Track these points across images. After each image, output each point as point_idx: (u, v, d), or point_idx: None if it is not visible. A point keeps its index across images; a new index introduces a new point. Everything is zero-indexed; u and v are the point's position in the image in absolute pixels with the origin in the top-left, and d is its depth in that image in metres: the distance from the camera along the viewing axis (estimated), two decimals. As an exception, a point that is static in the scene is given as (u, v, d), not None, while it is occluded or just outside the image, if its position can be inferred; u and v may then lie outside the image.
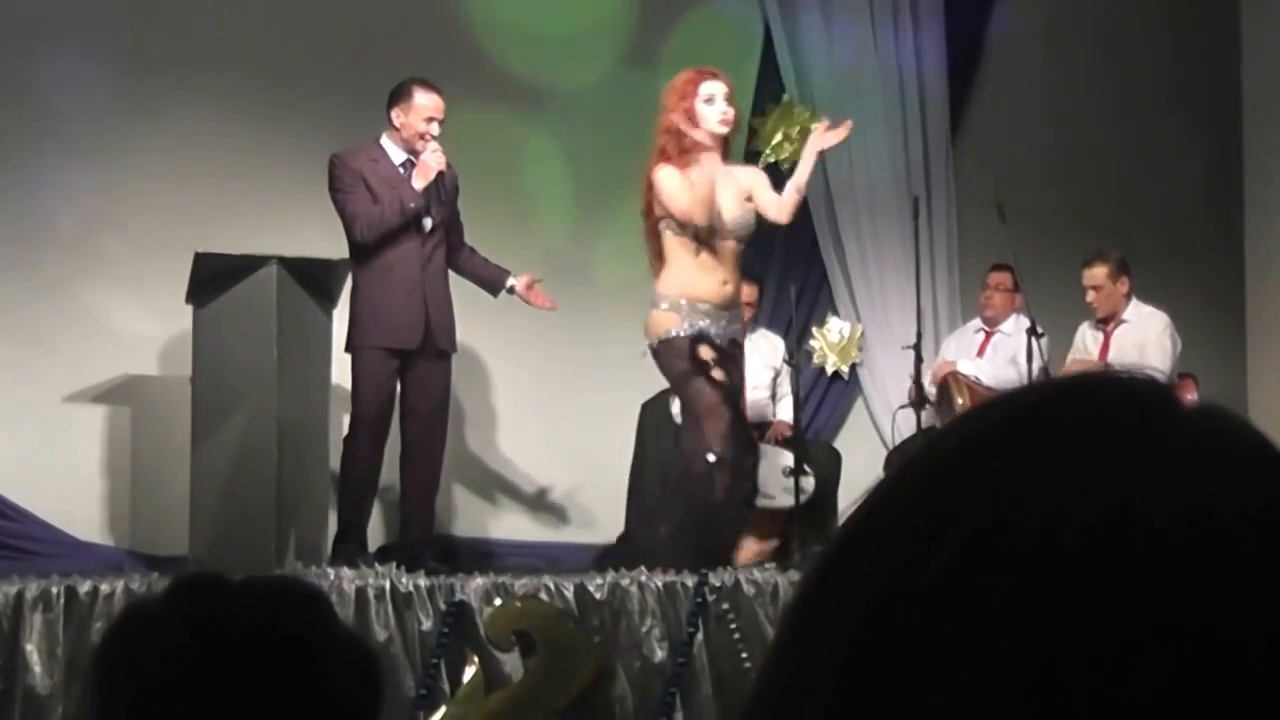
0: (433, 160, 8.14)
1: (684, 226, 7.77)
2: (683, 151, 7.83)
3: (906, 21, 10.57)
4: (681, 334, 7.74)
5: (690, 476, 7.68)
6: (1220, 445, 0.84)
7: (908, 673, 0.80)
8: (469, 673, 6.82)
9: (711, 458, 7.61)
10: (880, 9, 10.56)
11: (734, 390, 7.83)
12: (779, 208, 7.98)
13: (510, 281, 8.49)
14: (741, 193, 7.93)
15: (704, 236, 7.81)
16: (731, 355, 7.87)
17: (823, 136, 8.03)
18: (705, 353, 7.76)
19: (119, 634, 2.02)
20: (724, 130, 7.94)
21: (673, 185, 7.75)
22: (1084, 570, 0.80)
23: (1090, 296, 9.37)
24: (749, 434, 8.01)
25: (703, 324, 7.76)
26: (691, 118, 7.86)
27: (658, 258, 7.90)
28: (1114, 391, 0.87)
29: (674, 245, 7.83)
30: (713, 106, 7.89)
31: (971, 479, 0.84)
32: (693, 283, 7.80)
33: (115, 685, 1.95)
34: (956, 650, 0.80)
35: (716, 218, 7.81)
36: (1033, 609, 0.79)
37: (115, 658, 1.97)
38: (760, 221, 7.98)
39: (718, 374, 7.72)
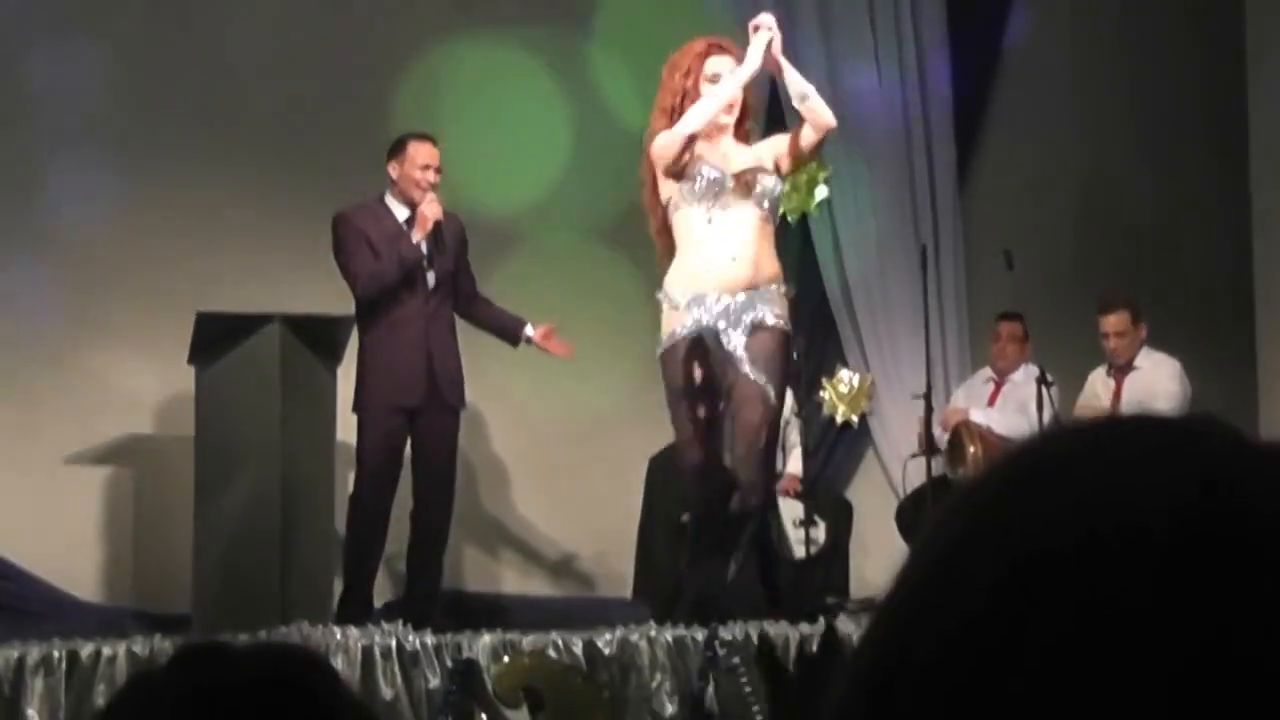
0: (429, 210, 8.11)
1: (681, 184, 7.15)
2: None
3: (912, 70, 10.60)
4: (680, 334, 7.19)
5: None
6: None
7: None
8: None
9: (684, 517, 7.33)
10: (885, 56, 10.59)
11: (746, 397, 7.18)
12: (810, 123, 7.28)
13: (527, 331, 8.44)
14: (756, 160, 7.28)
15: (703, 192, 7.13)
16: (757, 347, 7.20)
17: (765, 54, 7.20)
18: (698, 371, 7.18)
19: (122, 705, 1.94)
20: (729, 119, 7.29)
21: (657, 141, 7.16)
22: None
23: (1111, 343, 9.33)
24: (757, 464, 7.26)
25: (706, 320, 7.19)
26: (690, 98, 7.22)
27: (668, 254, 7.32)
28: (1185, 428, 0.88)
29: (682, 225, 7.21)
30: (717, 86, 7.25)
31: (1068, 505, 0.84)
32: (697, 268, 7.18)
33: (120, 758, 1.92)
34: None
35: (720, 174, 7.14)
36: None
37: None
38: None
39: (702, 409, 7.20)
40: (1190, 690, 0.79)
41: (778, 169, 7.34)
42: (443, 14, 9.96)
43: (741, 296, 7.20)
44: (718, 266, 7.19)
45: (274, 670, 1.89)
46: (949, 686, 0.82)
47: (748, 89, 7.34)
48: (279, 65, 9.69)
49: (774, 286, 7.30)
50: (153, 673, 1.96)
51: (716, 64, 7.25)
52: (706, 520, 7.31)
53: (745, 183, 7.20)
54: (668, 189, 7.22)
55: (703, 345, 7.17)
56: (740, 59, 7.25)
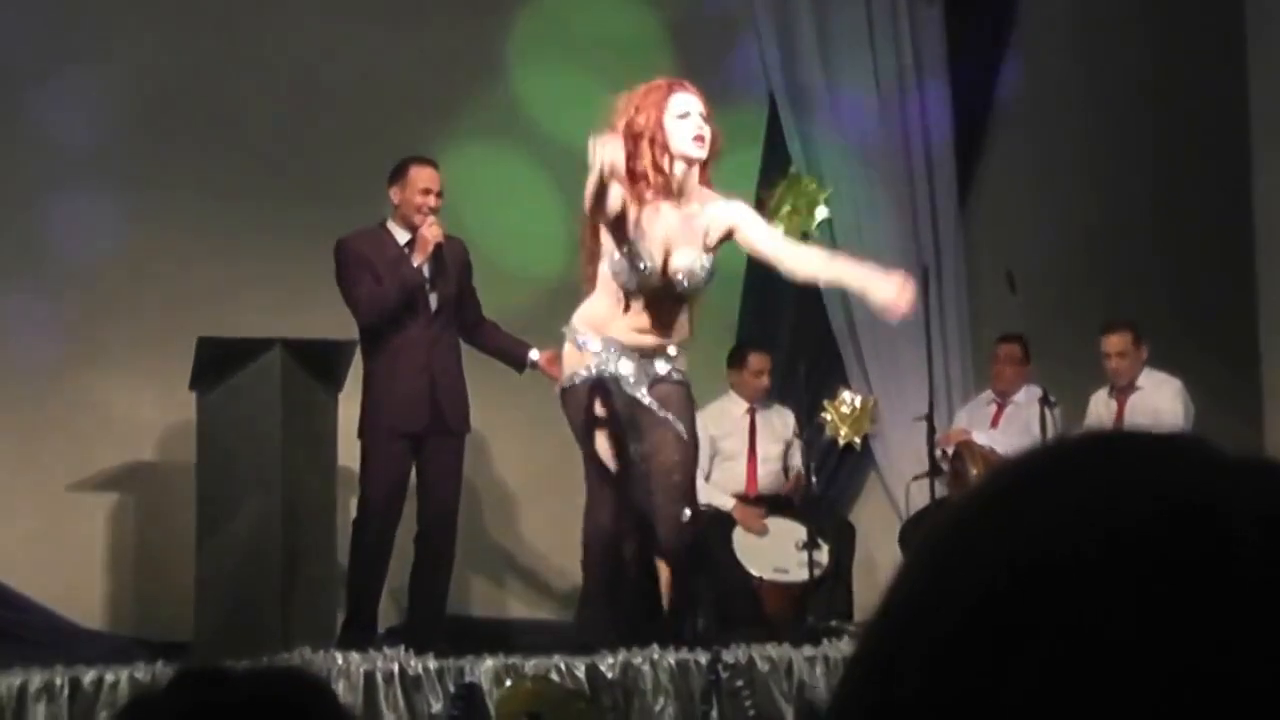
0: (429, 234, 8.11)
1: (616, 251, 6.80)
2: (635, 180, 6.76)
3: (912, 93, 10.64)
4: (583, 376, 6.95)
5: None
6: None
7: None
8: None
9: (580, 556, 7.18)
10: (885, 80, 10.62)
11: (644, 457, 6.98)
12: (793, 260, 6.97)
13: (532, 355, 8.41)
14: (707, 235, 6.94)
15: (634, 287, 6.87)
16: (662, 394, 7.00)
17: (890, 305, 6.75)
18: (601, 410, 6.92)
19: None
20: (699, 154, 6.85)
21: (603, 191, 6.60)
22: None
23: (1113, 364, 9.38)
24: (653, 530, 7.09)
25: (610, 368, 6.96)
26: (654, 140, 6.79)
27: (590, 262, 7.00)
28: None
29: (607, 275, 6.91)
30: (686, 123, 6.82)
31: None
32: (610, 317, 6.94)
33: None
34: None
35: (651, 267, 6.83)
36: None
37: None
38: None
39: (609, 446, 6.96)
40: (1176, 707, 0.79)
41: (722, 239, 7.02)
42: (443, 44, 9.95)
43: (650, 356, 7.01)
44: (632, 326, 7.00)
45: (272, 692, 1.91)
46: (936, 704, 0.82)
47: (716, 133, 6.96)
48: (281, 92, 9.70)
49: (678, 347, 7.09)
50: (152, 695, 1.99)
51: (682, 102, 6.85)
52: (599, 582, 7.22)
53: (674, 278, 6.92)
54: (607, 241, 6.91)
55: (604, 388, 6.94)
56: (705, 103, 6.91)
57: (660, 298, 6.93)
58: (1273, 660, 0.79)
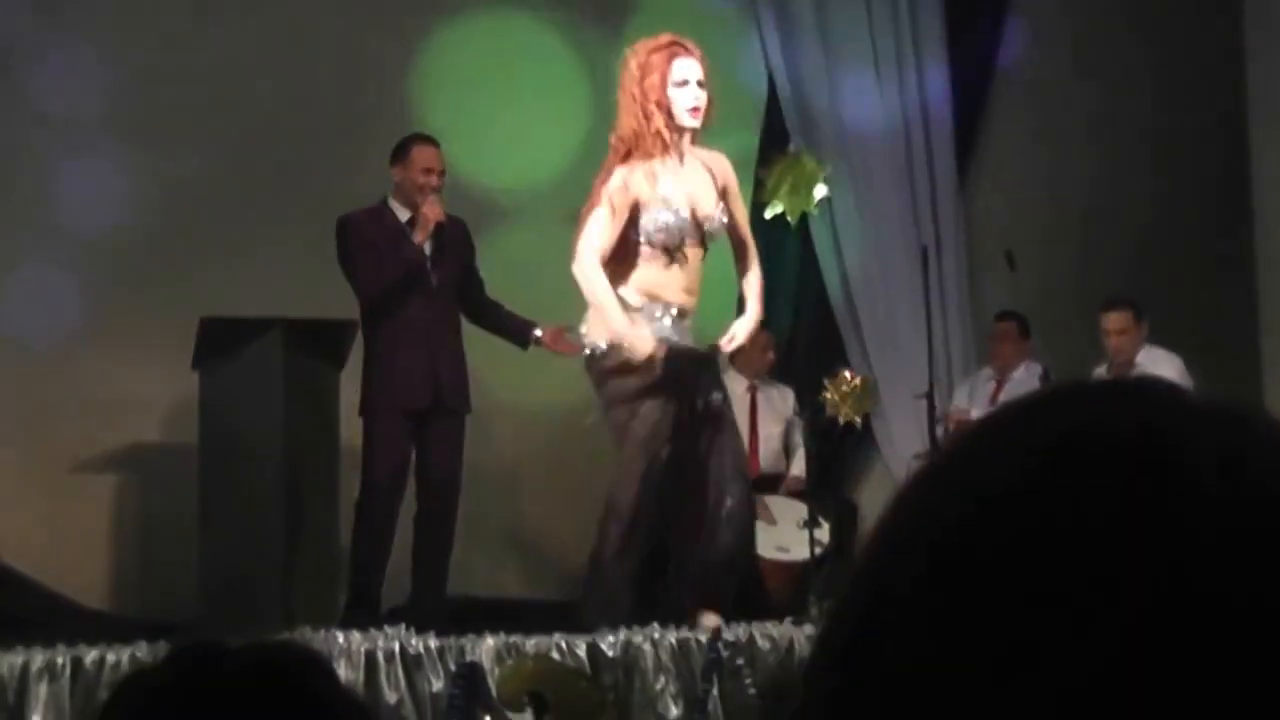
0: (431, 212, 8.13)
1: (647, 237, 7.05)
2: (642, 146, 7.06)
3: (911, 72, 10.64)
4: (647, 342, 7.03)
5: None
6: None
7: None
8: None
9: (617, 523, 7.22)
10: (884, 60, 10.62)
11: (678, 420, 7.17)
12: (748, 257, 7.39)
13: (536, 332, 8.43)
14: (716, 188, 7.24)
15: (677, 240, 7.09)
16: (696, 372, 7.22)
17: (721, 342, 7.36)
18: (658, 370, 7.04)
19: (117, 704, 1.98)
20: (694, 123, 7.13)
21: (595, 226, 7.03)
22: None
23: (1113, 341, 9.38)
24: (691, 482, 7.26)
25: (662, 333, 7.12)
26: (660, 104, 7.06)
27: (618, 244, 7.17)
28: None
29: (632, 247, 7.10)
30: (684, 91, 7.08)
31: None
32: (656, 281, 7.13)
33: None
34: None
35: (690, 221, 7.10)
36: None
37: None
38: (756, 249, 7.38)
39: (659, 402, 7.13)
40: (1127, 652, 0.80)
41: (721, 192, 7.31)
42: (447, 8, 9.97)
43: (685, 318, 7.21)
44: (681, 286, 7.19)
45: (268, 667, 1.90)
46: (910, 648, 0.83)
47: (711, 98, 7.19)
48: (285, 64, 9.69)
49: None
50: (147, 671, 1.98)
51: (683, 68, 7.09)
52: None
53: (705, 226, 7.20)
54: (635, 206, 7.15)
55: (671, 352, 7.08)
56: (704, 62, 7.16)
57: (695, 254, 7.15)
58: (1218, 600, 0.80)
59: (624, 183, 7.07)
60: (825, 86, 10.50)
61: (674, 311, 7.15)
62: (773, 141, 10.12)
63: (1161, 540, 0.81)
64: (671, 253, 7.10)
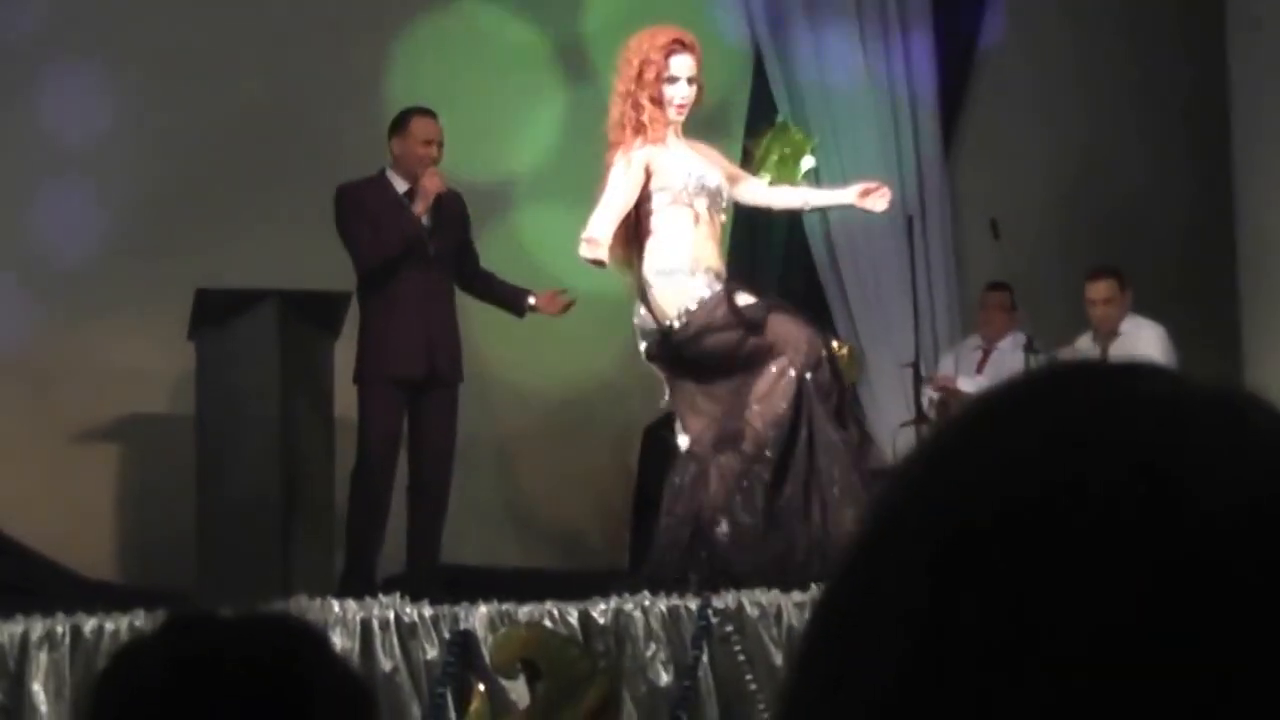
0: (430, 184, 8.19)
1: (676, 196, 7.23)
2: (639, 130, 7.27)
3: (896, 41, 10.68)
4: (711, 295, 7.21)
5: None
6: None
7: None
8: (475, 701, 6.83)
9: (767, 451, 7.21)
10: (870, 29, 10.66)
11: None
12: (767, 194, 7.68)
13: (530, 300, 8.50)
14: (720, 164, 7.54)
15: (706, 202, 7.28)
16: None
17: (862, 199, 7.65)
18: (749, 312, 7.25)
19: (111, 673, 2.01)
20: (678, 119, 7.34)
21: (615, 183, 7.23)
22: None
23: (1098, 310, 9.43)
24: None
25: (704, 293, 7.25)
26: (655, 98, 7.27)
27: (634, 239, 7.34)
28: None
29: (670, 216, 7.28)
30: (675, 88, 7.30)
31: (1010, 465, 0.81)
32: (702, 250, 7.29)
33: (108, 723, 1.96)
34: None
35: (701, 184, 7.30)
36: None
37: (107, 697, 1.98)
38: (741, 222, 7.68)
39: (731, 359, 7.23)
40: (1124, 651, 0.77)
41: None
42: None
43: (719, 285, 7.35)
44: (717, 251, 7.40)
45: (261, 638, 1.95)
46: (884, 663, 0.81)
47: (700, 89, 7.40)
48: (282, 37, 9.71)
49: None
50: (142, 641, 2.03)
51: (680, 65, 7.30)
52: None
53: (726, 199, 7.47)
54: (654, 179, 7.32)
55: (729, 299, 7.27)
56: (698, 56, 7.36)
57: (716, 219, 7.35)
58: (1221, 579, 0.77)
59: (628, 158, 7.23)
60: (811, 57, 10.54)
61: (711, 274, 7.28)
62: (760, 112, 10.16)
63: (1161, 527, 0.78)
64: (696, 215, 7.25)
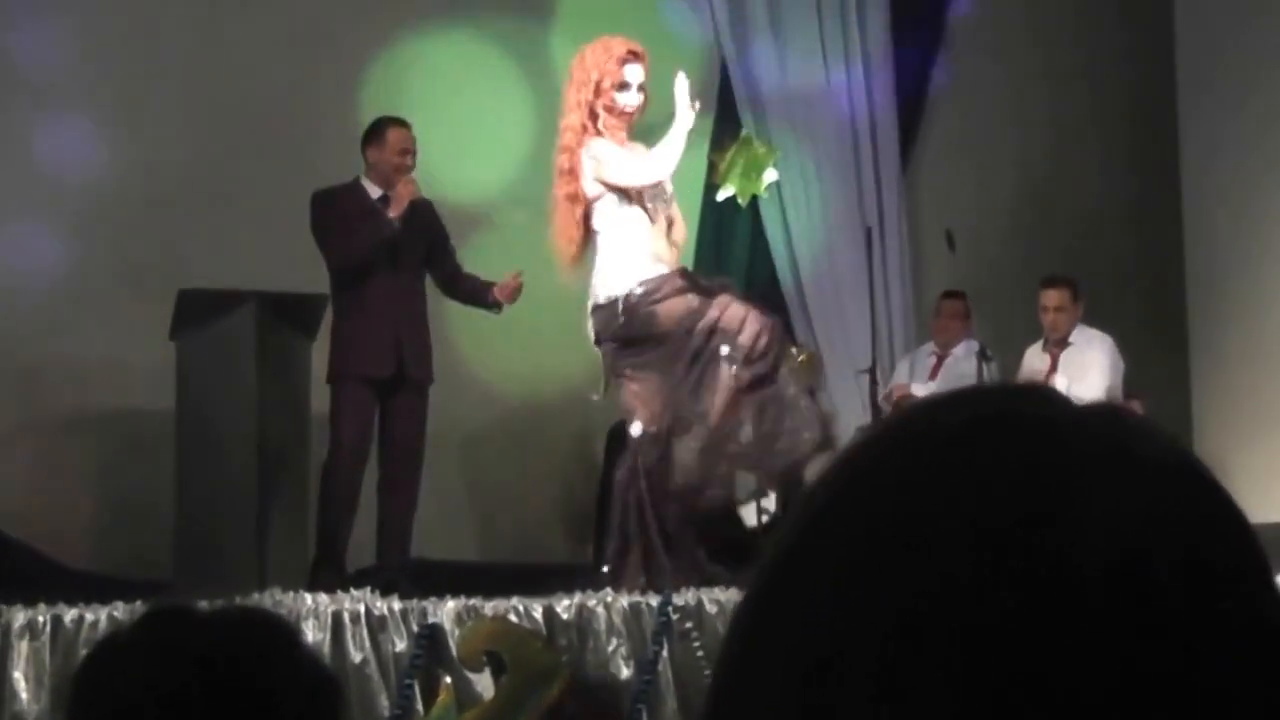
0: (405, 191, 8.35)
1: (630, 196, 7.53)
2: (596, 129, 7.57)
3: (857, 56, 10.81)
4: (654, 274, 7.51)
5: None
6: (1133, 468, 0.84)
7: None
8: (441, 693, 6.88)
9: (745, 434, 7.48)
10: (831, 44, 10.79)
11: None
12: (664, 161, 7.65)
13: (493, 293, 8.59)
14: None
15: (656, 196, 7.57)
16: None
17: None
18: (701, 280, 7.56)
19: (92, 664, 2.09)
20: (625, 123, 7.68)
21: (614, 154, 7.55)
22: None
23: (1050, 318, 9.55)
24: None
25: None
26: (609, 106, 7.60)
27: (582, 243, 7.63)
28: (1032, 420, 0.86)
29: (624, 214, 7.57)
30: (627, 95, 7.64)
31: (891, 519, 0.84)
32: (657, 245, 7.59)
33: (87, 714, 2.05)
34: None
35: (657, 185, 7.61)
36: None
37: (88, 687, 2.05)
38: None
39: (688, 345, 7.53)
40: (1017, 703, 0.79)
41: None
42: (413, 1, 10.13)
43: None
44: (671, 253, 7.65)
45: (235, 632, 2.05)
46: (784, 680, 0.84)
47: (646, 99, 7.70)
48: (265, 40, 9.79)
49: None
50: (121, 633, 2.14)
51: (632, 72, 7.62)
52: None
53: (668, 195, 7.73)
54: (595, 187, 7.57)
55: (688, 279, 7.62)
56: (647, 65, 7.63)
57: (663, 219, 7.61)
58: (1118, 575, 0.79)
59: (601, 144, 7.54)
60: (774, 71, 10.64)
61: (663, 264, 7.57)
62: (725, 126, 10.18)
63: (1052, 506, 0.80)
64: (648, 212, 7.55)
